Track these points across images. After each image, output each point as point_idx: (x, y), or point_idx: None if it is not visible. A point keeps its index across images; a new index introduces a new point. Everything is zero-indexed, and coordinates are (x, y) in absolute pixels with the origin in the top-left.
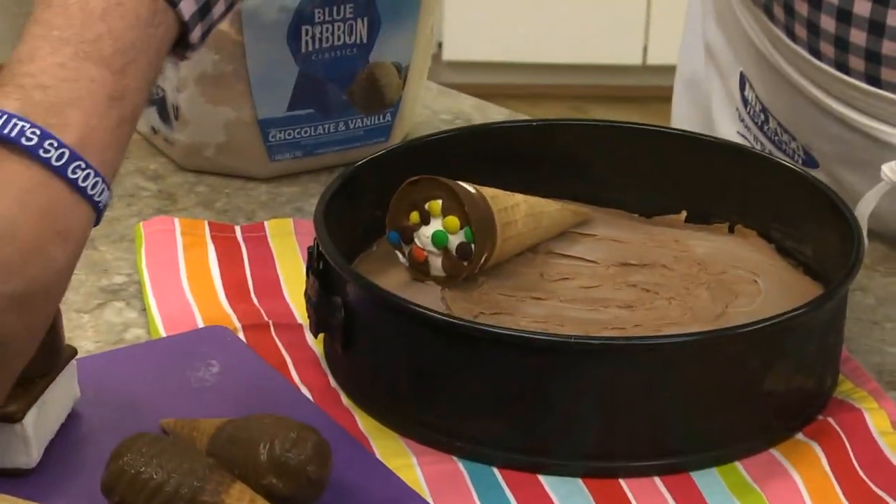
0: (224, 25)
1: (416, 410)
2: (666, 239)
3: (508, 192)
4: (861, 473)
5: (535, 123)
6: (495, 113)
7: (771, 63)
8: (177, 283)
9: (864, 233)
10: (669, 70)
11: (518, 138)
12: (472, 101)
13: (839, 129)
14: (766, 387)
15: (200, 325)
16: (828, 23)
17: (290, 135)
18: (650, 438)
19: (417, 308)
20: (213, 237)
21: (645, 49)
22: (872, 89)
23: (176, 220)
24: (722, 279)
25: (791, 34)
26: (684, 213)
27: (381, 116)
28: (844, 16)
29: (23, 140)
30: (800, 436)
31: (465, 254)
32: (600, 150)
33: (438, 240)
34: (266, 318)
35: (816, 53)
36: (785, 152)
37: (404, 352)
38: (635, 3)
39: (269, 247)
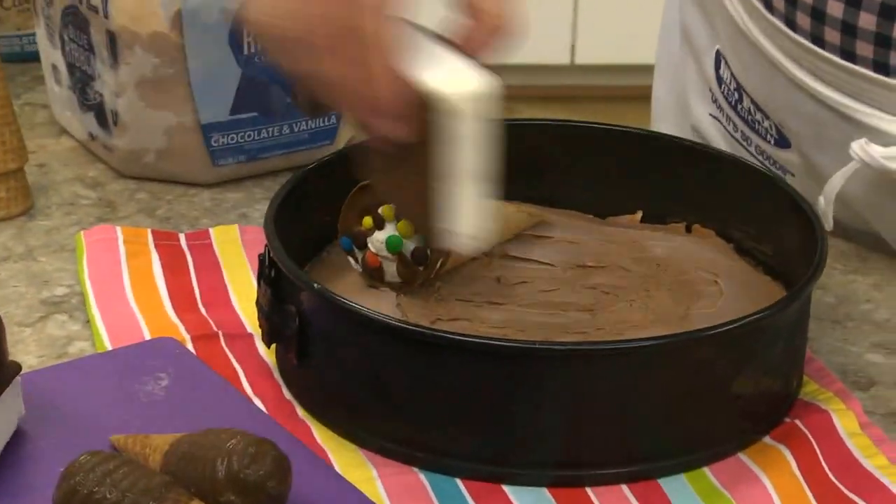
0: (164, 28)
1: (375, 421)
2: (623, 240)
3: None
4: (831, 476)
5: None
6: None
7: (747, 37)
8: (121, 294)
9: (830, 215)
10: (598, 69)
11: None
12: None
13: (812, 106)
14: (734, 390)
15: (147, 336)
16: None
17: (233, 139)
18: (617, 445)
19: (375, 315)
20: (156, 245)
21: (573, 48)
22: (846, 64)
23: (118, 229)
24: (682, 280)
25: (768, 5)
26: (640, 214)
27: (327, 119)
28: None
29: None
30: (767, 439)
31: (421, 259)
32: (553, 150)
33: (393, 245)
34: (215, 329)
35: (792, 25)
36: (758, 132)
37: (362, 361)
38: (562, 3)
39: (216, 255)
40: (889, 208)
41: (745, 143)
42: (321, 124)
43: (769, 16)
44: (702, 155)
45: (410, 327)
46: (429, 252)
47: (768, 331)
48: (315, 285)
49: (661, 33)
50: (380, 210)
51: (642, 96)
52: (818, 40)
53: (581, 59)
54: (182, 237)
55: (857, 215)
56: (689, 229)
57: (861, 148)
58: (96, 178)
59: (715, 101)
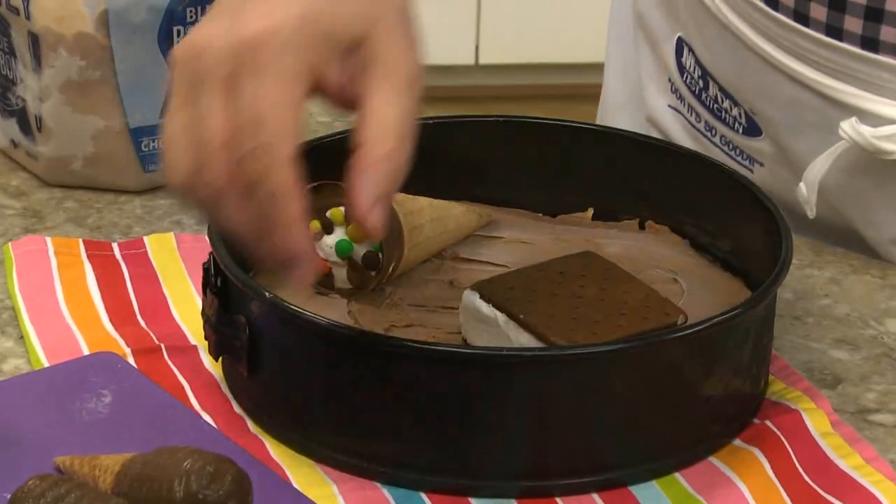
0: (90, 28)
1: (332, 435)
2: (575, 238)
3: (411, 196)
4: (806, 477)
5: (430, 122)
6: None
7: (717, 19)
8: (55, 308)
9: (813, 202)
10: (503, 69)
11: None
12: None
13: (790, 89)
14: (704, 392)
15: (86, 351)
16: None
17: None
18: (585, 453)
19: (332, 325)
20: (89, 256)
21: (477, 49)
22: (833, 41)
23: (48, 240)
24: (640, 279)
25: None
26: (591, 211)
27: None
28: None
29: None
30: (738, 442)
31: (373, 264)
32: (499, 147)
33: (343, 250)
34: (157, 342)
35: (773, 3)
36: (724, 121)
37: (317, 372)
38: (466, 3)
39: (152, 264)
40: (868, 193)
41: (709, 134)
42: None
43: None
44: (653, 149)
45: (369, 336)
46: (381, 256)
47: (738, 330)
48: (267, 294)
49: (611, 25)
50: (328, 213)
51: (549, 95)
52: (802, 17)
53: (485, 59)
54: (115, 247)
55: (825, 203)
56: (642, 226)
57: (851, 127)
58: (20, 188)
59: (675, 91)
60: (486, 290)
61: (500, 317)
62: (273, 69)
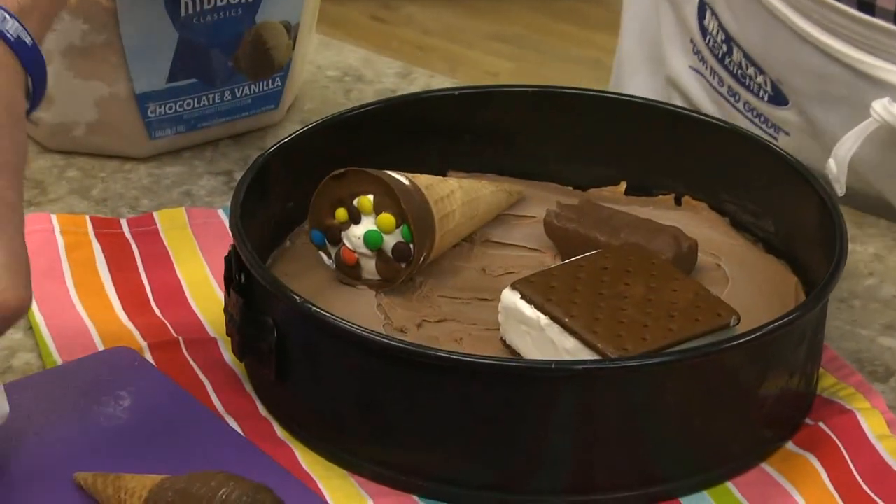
0: None
1: (367, 445)
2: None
3: (441, 178)
4: (864, 487)
5: (456, 93)
6: (385, 66)
7: None
8: (64, 295)
9: (843, 180)
10: None
11: (438, 110)
12: (358, 53)
13: (818, 60)
14: (758, 398)
15: (100, 345)
16: None
17: (170, 109)
18: (634, 466)
19: (370, 335)
20: (97, 235)
21: None
22: (865, 16)
23: (53, 218)
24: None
25: None
26: (624, 185)
27: (271, 82)
28: None
29: None
30: (791, 446)
31: (403, 255)
32: (527, 118)
33: (372, 241)
34: (174, 334)
35: None
36: (748, 87)
37: (352, 381)
38: None
39: (164, 243)
40: None
41: (732, 99)
42: (264, 88)
43: None
44: (690, 121)
45: (410, 348)
46: (411, 247)
47: (795, 333)
48: (298, 299)
49: None
50: (355, 202)
51: None
52: None
53: None
54: (124, 224)
55: (857, 176)
56: (678, 201)
57: (884, 108)
58: None
59: (697, 52)
60: (528, 290)
61: (544, 319)
62: None
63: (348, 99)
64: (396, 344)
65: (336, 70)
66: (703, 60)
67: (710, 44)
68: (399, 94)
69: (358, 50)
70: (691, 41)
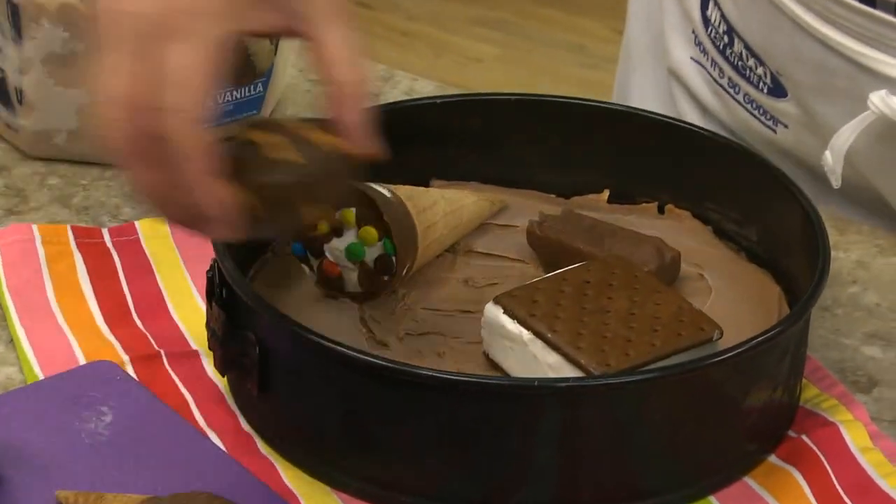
0: None
1: (350, 461)
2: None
3: (423, 189)
4: (847, 500)
5: (439, 101)
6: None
7: None
8: (46, 307)
9: (839, 172)
10: None
11: (422, 118)
12: None
13: (819, 52)
14: (742, 412)
15: (81, 358)
16: None
17: None
18: (618, 482)
19: (353, 353)
20: (78, 245)
21: None
22: (867, 9)
23: (34, 228)
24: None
25: None
26: (607, 193)
27: (252, 88)
28: None
29: None
30: (774, 459)
31: (386, 268)
32: (510, 126)
33: (355, 254)
34: (156, 347)
35: None
36: (748, 79)
37: (332, 396)
38: None
39: (145, 253)
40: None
41: (732, 90)
42: (246, 94)
43: None
44: (672, 129)
45: (392, 366)
46: (394, 260)
47: (778, 347)
48: (280, 315)
49: None
50: (338, 215)
51: None
52: None
53: None
54: (106, 233)
55: (852, 168)
56: (661, 210)
57: (881, 100)
58: (1, 161)
59: (699, 44)
60: (511, 304)
61: (526, 334)
62: (191, 35)
63: None
64: (379, 361)
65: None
66: (704, 51)
67: (712, 35)
68: (381, 96)
69: None
70: (693, 32)
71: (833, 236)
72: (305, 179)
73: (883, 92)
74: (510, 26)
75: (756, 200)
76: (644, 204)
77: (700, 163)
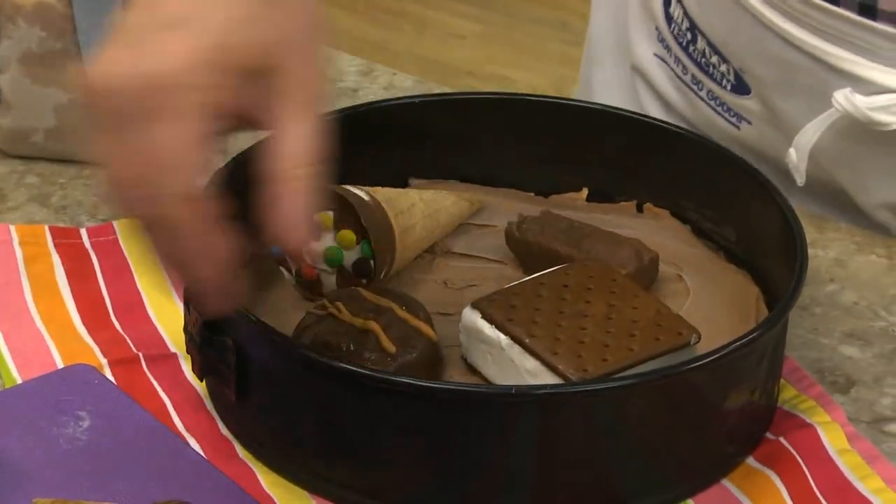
0: None
1: (329, 468)
2: None
3: (402, 191)
4: (823, 503)
5: (417, 100)
6: (346, 63)
7: None
8: (24, 310)
9: (803, 169)
10: None
11: (399, 117)
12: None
13: (781, 49)
14: (719, 416)
15: (59, 362)
16: None
17: None
18: (596, 487)
19: (329, 360)
20: (56, 245)
21: None
22: (830, 7)
23: (12, 228)
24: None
25: None
26: (586, 191)
27: None
28: None
29: None
30: (752, 461)
31: (364, 271)
32: (488, 125)
33: (333, 257)
34: (135, 350)
35: None
36: (712, 76)
37: (312, 404)
38: None
39: (123, 254)
40: (860, 158)
41: (695, 87)
42: None
43: None
44: (650, 128)
45: (370, 374)
46: (372, 263)
47: (756, 351)
48: (257, 321)
49: None
50: (315, 217)
51: None
52: None
53: None
54: (84, 234)
55: (816, 165)
56: (640, 209)
57: (845, 98)
58: None
59: (662, 40)
60: (488, 309)
61: (504, 339)
62: (176, 110)
63: None
64: (356, 370)
65: None
66: (667, 48)
67: (675, 32)
68: (360, 90)
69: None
70: (656, 28)
71: (811, 234)
72: None
73: (847, 90)
74: (492, 3)
75: (734, 200)
76: (623, 203)
77: (678, 162)
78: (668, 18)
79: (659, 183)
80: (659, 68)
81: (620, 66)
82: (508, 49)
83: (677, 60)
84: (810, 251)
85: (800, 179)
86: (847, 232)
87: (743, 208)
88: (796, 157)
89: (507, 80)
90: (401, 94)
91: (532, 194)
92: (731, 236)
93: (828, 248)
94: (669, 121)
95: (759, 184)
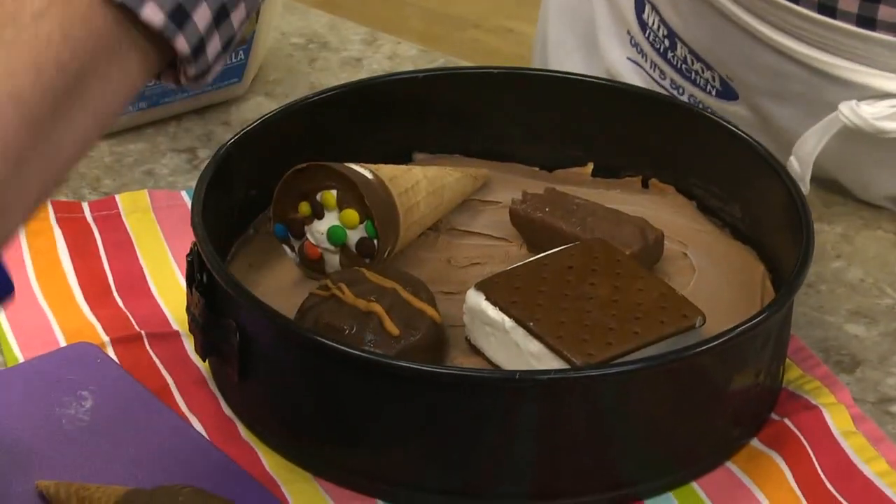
0: None
1: (331, 450)
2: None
3: (405, 168)
4: (829, 486)
5: (421, 75)
6: (350, 31)
7: None
8: (27, 286)
9: (808, 179)
10: None
11: (403, 92)
12: (324, 18)
13: (772, 58)
14: (724, 398)
15: (62, 339)
16: None
17: None
18: (600, 471)
19: (331, 343)
20: (58, 220)
21: None
22: (826, 20)
23: None
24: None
25: None
26: (591, 166)
27: (234, 56)
28: None
29: None
30: (756, 443)
31: (367, 251)
32: (493, 100)
33: (336, 237)
34: (137, 328)
35: None
36: (694, 82)
37: (314, 386)
38: None
39: (126, 228)
40: (860, 158)
41: (675, 92)
42: (228, 61)
43: None
44: (657, 103)
45: (372, 358)
46: (375, 242)
47: (762, 333)
48: (260, 303)
49: None
50: (319, 197)
51: None
52: None
53: None
54: (86, 207)
55: (816, 165)
56: (645, 184)
57: (852, 111)
58: None
59: (636, 45)
60: (492, 290)
61: (508, 322)
62: None
63: (313, 68)
64: (358, 353)
65: (300, 37)
66: (642, 53)
67: (651, 38)
68: (364, 60)
69: (323, 15)
70: (628, 33)
71: (817, 209)
72: None
73: (853, 102)
74: None
75: (740, 177)
76: (628, 178)
77: (684, 138)
78: (643, 25)
79: (665, 158)
80: (634, 72)
81: (591, 65)
82: (514, 1)
83: (654, 65)
84: (816, 226)
85: (804, 189)
86: (854, 207)
87: (749, 184)
88: (799, 167)
89: (512, 32)
90: (405, 63)
91: (537, 169)
92: (736, 212)
93: (834, 223)
94: None
95: (765, 160)
